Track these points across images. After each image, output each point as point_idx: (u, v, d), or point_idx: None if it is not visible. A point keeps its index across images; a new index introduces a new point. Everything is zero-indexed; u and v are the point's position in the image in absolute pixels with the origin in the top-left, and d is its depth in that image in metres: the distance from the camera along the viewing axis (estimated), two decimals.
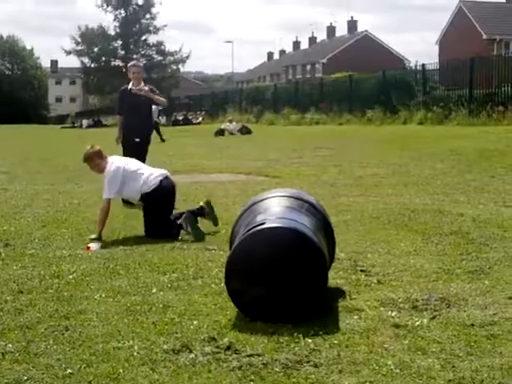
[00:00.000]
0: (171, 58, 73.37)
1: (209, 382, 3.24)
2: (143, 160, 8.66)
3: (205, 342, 3.71)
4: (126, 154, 8.63)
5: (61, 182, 11.84)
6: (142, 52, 73.14)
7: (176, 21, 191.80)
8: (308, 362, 3.44)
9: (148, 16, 71.89)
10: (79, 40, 72.09)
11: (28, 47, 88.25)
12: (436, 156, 14.02)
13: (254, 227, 4.21)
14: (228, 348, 3.61)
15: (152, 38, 73.07)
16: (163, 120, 39.04)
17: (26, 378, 3.29)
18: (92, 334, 3.89)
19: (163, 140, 24.18)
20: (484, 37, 46.22)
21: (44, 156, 18.52)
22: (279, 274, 4.04)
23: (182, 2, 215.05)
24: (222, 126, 29.51)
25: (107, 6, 70.99)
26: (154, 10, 71.91)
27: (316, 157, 15.54)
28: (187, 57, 72.99)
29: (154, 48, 73.39)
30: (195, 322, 4.05)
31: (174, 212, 7.08)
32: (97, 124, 52.50)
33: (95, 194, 9.88)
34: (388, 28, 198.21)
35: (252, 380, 3.25)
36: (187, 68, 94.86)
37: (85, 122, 55.42)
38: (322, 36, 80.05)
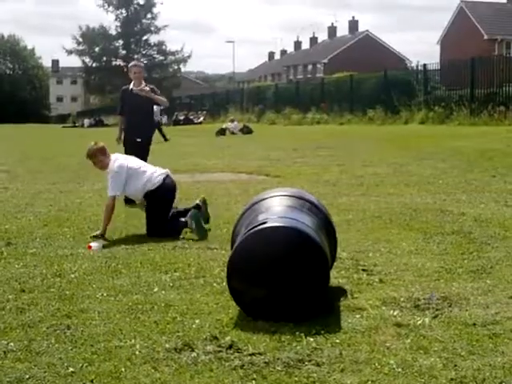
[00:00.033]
0: (172, 58, 73.46)
1: (211, 380, 3.24)
2: (144, 160, 8.65)
3: (207, 341, 3.71)
4: (127, 154, 8.62)
5: (62, 181, 11.83)
6: (143, 52, 73.24)
7: (177, 21, 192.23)
8: (310, 360, 3.44)
9: (149, 16, 72.04)
10: (80, 40, 72.20)
11: (29, 47, 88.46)
12: (437, 156, 14.02)
13: (256, 226, 4.21)
14: (230, 347, 3.61)
15: (153, 38, 73.30)
16: (164, 119, 39.06)
17: (27, 376, 3.30)
18: (94, 332, 3.90)
19: (166, 139, 24.20)
20: (485, 37, 46.25)
21: (45, 155, 18.52)
22: (281, 273, 4.04)
23: (183, 1, 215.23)
24: (224, 126, 29.54)
25: (108, 5, 71.11)
26: (155, 10, 72.21)
27: (317, 156, 15.53)
28: (188, 56, 73.15)
29: (155, 48, 73.48)
30: (197, 321, 4.05)
31: (177, 208, 7.12)
32: (98, 123, 52.59)
33: (96, 193, 9.90)
34: (389, 28, 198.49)
35: (254, 379, 3.25)
36: (188, 68, 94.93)
37: (86, 121, 55.52)
38: (323, 36, 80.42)
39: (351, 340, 3.72)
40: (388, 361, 3.40)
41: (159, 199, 6.93)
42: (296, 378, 3.25)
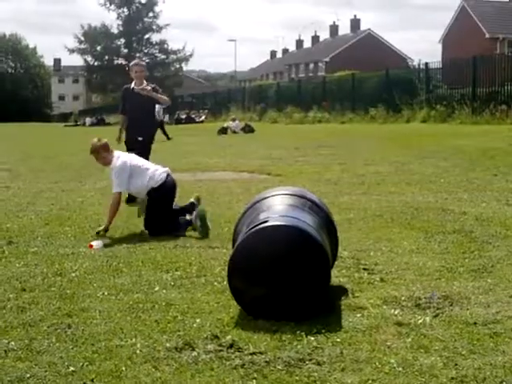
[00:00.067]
0: (174, 57, 73.43)
1: (211, 379, 3.24)
2: (146, 159, 8.66)
3: (207, 340, 3.71)
4: (129, 152, 8.64)
5: (64, 180, 11.84)
6: (145, 50, 73.22)
7: (179, 19, 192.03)
8: (310, 360, 3.44)
9: (151, 14, 72.03)
10: (82, 38, 72.20)
11: (31, 46, 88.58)
12: (439, 154, 14.00)
13: (257, 225, 4.21)
14: (230, 346, 3.61)
15: (155, 37, 73.31)
16: (166, 118, 39.06)
17: (28, 375, 3.30)
18: (94, 331, 3.90)
19: (169, 138, 24.20)
20: (487, 36, 46.13)
21: (47, 154, 18.52)
22: (282, 272, 4.04)
23: (185, 0, 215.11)
24: (225, 125, 29.52)
25: (110, 4, 71.11)
26: (156, 9, 72.25)
27: (319, 155, 15.52)
28: (190, 55, 73.16)
29: (156, 46, 73.47)
30: (198, 320, 4.05)
31: (181, 205, 7.15)
32: (100, 122, 52.60)
33: (98, 192, 9.91)
34: (391, 27, 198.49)
35: (254, 378, 3.25)
36: (190, 67, 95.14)
37: (88, 120, 55.50)
38: (325, 35, 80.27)
39: (352, 339, 3.72)
40: (389, 360, 3.40)
41: (161, 197, 6.99)
42: (297, 377, 3.25)
